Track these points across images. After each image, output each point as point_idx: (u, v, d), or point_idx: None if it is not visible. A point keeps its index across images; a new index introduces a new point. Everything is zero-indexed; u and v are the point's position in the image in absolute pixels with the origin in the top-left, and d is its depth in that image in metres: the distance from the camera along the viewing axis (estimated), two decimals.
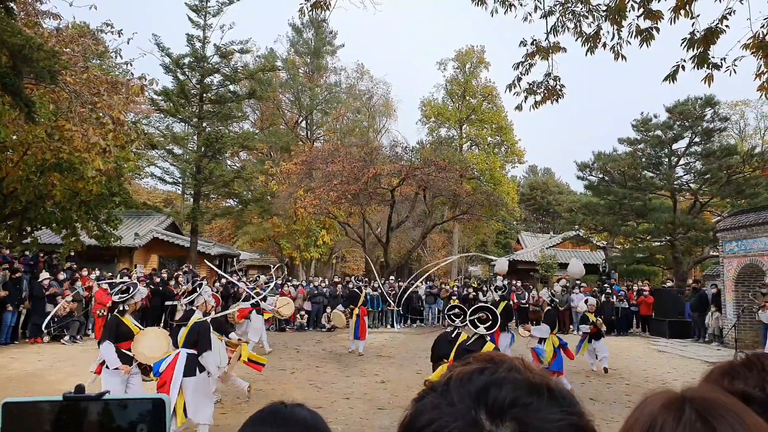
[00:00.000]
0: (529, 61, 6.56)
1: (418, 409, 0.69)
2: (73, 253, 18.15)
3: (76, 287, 15.37)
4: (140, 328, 7.14)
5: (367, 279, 24.01)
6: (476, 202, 26.08)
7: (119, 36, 14.92)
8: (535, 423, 0.63)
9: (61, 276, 15.29)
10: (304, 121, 38.49)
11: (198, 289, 7.60)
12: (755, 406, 1.10)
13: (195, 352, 6.49)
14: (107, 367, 6.56)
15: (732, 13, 5.49)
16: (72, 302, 14.63)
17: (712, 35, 5.57)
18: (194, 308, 7.09)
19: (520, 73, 6.63)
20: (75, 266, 16.89)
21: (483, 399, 0.65)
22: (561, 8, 6.29)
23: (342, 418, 7.81)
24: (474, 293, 21.70)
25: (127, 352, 6.59)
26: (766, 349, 11.79)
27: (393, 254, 30.05)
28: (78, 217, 17.39)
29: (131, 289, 7.29)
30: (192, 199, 26.16)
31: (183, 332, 6.67)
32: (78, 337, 14.83)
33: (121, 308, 6.86)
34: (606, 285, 22.32)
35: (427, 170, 23.95)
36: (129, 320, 6.86)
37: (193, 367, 6.42)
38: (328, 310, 19.04)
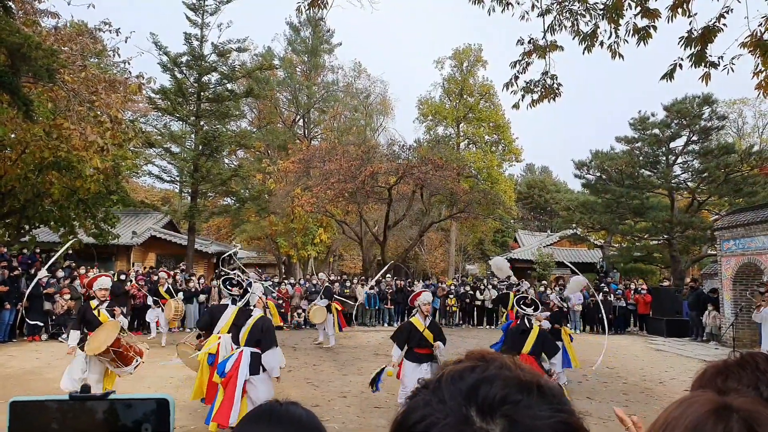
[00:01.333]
0: (526, 59, 6.56)
1: (411, 406, 0.70)
2: (71, 252, 18.13)
3: (75, 285, 15.36)
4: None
5: (364, 278, 24.01)
6: (473, 201, 26.09)
7: (117, 35, 14.94)
8: (525, 420, 0.64)
9: (60, 274, 15.29)
10: (302, 120, 38.46)
11: (249, 288, 7.64)
12: None
13: (258, 350, 6.47)
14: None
15: (729, 12, 5.50)
16: (70, 300, 14.63)
17: (709, 34, 5.57)
18: (251, 308, 7.13)
19: (517, 71, 6.63)
20: (73, 264, 16.88)
21: (473, 396, 0.66)
22: (558, 6, 6.29)
23: (339, 416, 7.82)
24: (471, 291, 21.75)
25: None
26: (762, 348, 11.82)
27: (390, 252, 30.05)
28: (76, 216, 17.39)
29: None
30: (189, 198, 26.12)
31: (244, 331, 6.61)
32: None
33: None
34: (603, 284, 22.37)
35: (424, 168, 23.95)
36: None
37: (257, 365, 6.41)
38: None
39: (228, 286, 7.49)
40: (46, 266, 13.07)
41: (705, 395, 0.80)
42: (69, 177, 15.52)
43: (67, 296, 14.66)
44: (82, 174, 15.03)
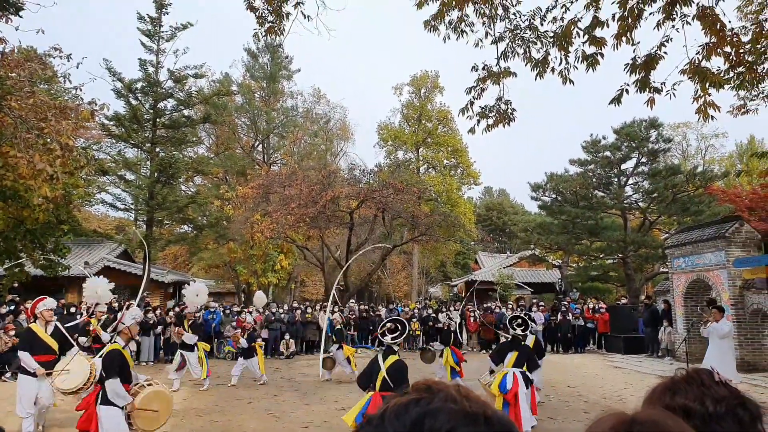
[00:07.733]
0: (481, 85, 6.72)
1: None
2: (16, 285, 17.32)
3: (20, 320, 14.65)
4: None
5: (327, 304, 23.71)
6: (434, 224, 26.28)
7: (68, 60, 14.48)
8: None
9: (3, 310, 14.55)
10: (261, 145, 38.19)
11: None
12: (695, 419, 1.14)
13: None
14: None
15: (669, 40, 5.78)
16: (15, 337, 13.90)
17: (651, 61, 5.84)
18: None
19: (473, 97, 6.78)
20: (18, 298, 16.11)
21: (418, 430, 0.64)
22: (510, 34, 6.49)
23: None
24: (434, 314, 21.77)
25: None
26: (704, 364, 12.17)
27: (353, 277, 29.89)
28: (23, 247, 16.64)
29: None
30: (145, 226, 25.44)
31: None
32: None
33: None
34: (563, 303, 22.74)
35: (385, 192, 24.05)
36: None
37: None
38: (286, 336, 18.72)
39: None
40: None
41: (611, 417, 0.81)
42: (15, 207, 14.88)
43: (12, 333, 13.94)
44: (30, 203, 14.42)
